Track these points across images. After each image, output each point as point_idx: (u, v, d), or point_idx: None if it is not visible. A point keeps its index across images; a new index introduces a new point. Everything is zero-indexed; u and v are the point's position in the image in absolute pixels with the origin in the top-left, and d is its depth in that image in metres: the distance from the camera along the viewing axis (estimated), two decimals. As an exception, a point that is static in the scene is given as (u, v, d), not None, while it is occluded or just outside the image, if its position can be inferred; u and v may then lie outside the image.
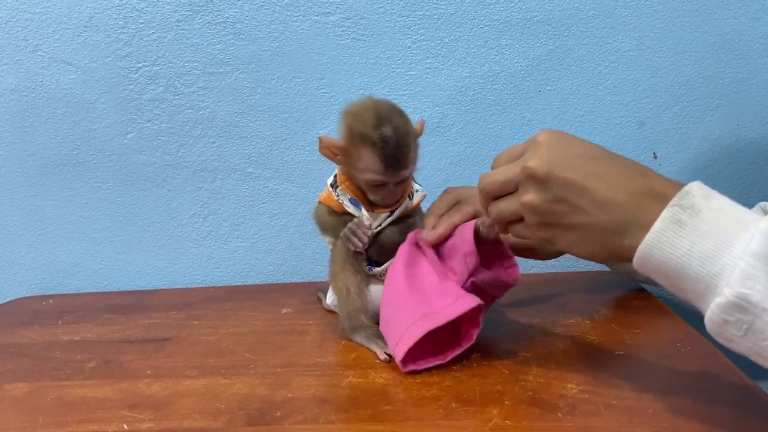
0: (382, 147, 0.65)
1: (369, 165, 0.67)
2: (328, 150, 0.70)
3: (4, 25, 0.96)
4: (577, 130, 0.96)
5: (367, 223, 0.70)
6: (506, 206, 0.54)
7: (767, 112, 0.95)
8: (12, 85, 0.98)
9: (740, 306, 0.42)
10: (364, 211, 0.71)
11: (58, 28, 0.95)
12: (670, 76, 0.95)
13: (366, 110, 0.67)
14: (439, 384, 0.60)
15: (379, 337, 0.68)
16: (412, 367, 0.62)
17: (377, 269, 0.73)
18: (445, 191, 0.74)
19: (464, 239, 0.67)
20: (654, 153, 0.97)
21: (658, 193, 0.47)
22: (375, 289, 0.72)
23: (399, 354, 0.62)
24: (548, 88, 0.96)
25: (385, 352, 0.66)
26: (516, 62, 0.95)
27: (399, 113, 0.67)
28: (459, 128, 0.97)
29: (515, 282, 0.71)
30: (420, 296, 0.65)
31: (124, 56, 0.96)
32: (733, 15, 0.93)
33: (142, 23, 0.95)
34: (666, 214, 0.45)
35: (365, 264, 0.73)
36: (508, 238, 0.70)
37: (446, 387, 0.59)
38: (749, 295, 0.41)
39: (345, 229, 0.70)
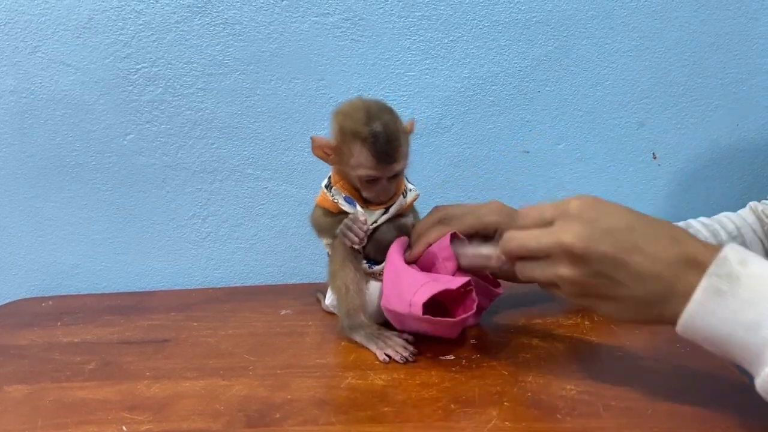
0: (372, 142, 0.67)
1: (361, 160, 0.68)
2: (321, 150, 0.71)
3: (3, 27, 0.96)
4: (577, 130, 0.97)
5: (362, 218, 0.70)
6: (540, 273, 0.53)
7: (766, 112, 0.95)
8: (11, 87, 0.98)
9: None
10: (358, 207, 0.72)
11: (57, 30, 0.95)
12: (669, 77, 0.95)
13: (356, 109, 0.69)
14: (439, 385, 0.60)
15: (378, 337, 0.68)
16: (428, 316, 0.63)
17: (377, 267, 0.73)
18: (434, 209, 0.76)
19: (441, 246, 0.70)
20: (653, 153, 0.97)
21: (695, 260, 0.47)
22: (374, 287, 0.73)
23: (418, 300, 0.63)
24: (547, 88, 0.96)
25: (385, 353, 0.66)
26: (515, 63, 0.95)
27: (388, 111, 0.69)
28: (458, 129, 0.97)
29: (499, 293, 0.74)
30: (423, 273, 0.69)
31: (123, 57, 0.96)
32: (731, 15, 0.93)
33: (141, 24, 0.95)
34: (705, 284, 0.46)
35: (364, 262, 0.74)
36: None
37: (445, 388, 0.59)
38: None
39: (341, 226, 0.71)
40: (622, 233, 0.49)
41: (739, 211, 0.82)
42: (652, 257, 0.48)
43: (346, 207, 0.72)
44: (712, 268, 0.46)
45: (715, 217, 0.82)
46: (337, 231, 0.71)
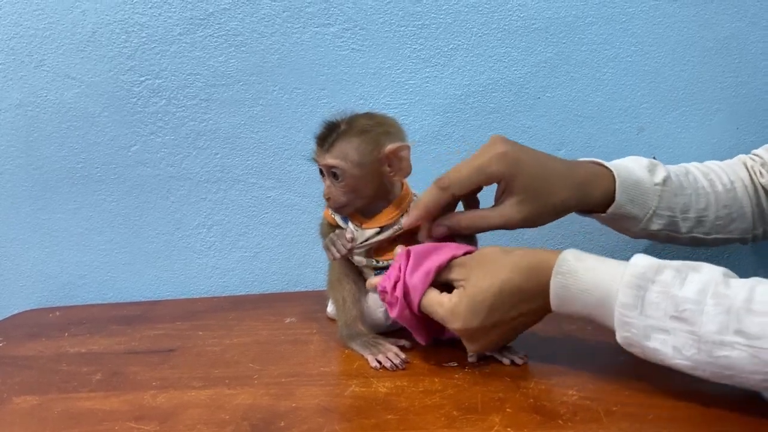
0: (319, 127, 0.70)
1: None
2: None
3: (8, 42, 0.97)
4: (577, 136, 0.97)
5: (348, 236, 0.71)
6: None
7: (766, 115, 0.96)
8: (17, 101, 0.99)
9: (629, 344, 0.55)
10: (350, 224, 0.72)
11: (62, 44, 0.97)
12: (668, 81, 0.96)
13: None
14: (441, 392, 0.60)
15: (374, 344, 0.69)
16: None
17: None
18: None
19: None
20: (654, 157, 0.97)
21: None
22: (373, 299, 0.73)
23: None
24: (547, 95, 0.96)
25: (376, 359, 0.67)
26: (515, 70, 0.96)
27: (370, 116, 0.70)
28: (459, 136, 0.98)
29: None
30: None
31: (127, 70, 0.97)
32: (730, 20, 0.93)
33: (144, 37, 0.96)
34: (553, 282, 0.57)
35: (374, 272, 0.74)
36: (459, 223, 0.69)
37: (448, 395, 0.60)
38: (630, 337, 0.54)
39: (326, 239, 0.72)
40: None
41: (729, 162, 0.80)
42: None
43: (341, 223, 0.73)
44: (555, 268, 0.57)
45: (707, 164, 0.80)
46: (323, 243, 0.73)
